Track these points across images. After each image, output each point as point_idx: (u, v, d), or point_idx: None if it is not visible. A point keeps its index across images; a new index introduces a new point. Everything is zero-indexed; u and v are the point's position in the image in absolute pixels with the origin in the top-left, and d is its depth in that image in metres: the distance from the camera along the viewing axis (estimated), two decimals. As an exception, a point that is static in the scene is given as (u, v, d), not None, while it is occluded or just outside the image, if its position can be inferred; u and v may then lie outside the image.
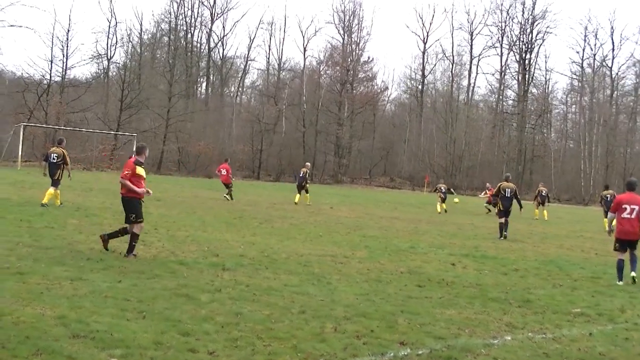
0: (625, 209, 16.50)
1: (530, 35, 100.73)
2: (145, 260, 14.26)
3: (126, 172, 15.09)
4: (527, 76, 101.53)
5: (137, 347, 7.88)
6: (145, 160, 15.59)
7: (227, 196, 37.31)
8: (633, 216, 16.39)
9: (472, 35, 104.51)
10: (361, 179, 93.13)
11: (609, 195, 35.74)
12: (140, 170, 15.18)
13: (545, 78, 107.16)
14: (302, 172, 38.98)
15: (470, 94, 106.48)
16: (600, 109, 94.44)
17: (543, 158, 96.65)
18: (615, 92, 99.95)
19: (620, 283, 16.19)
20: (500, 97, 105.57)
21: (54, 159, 25.64)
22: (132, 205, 15.07)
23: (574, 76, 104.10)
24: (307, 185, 38.71)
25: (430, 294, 12.85)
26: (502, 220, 26.95)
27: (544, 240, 27.09)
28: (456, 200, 48.43)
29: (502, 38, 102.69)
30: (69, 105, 72.64)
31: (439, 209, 41.68)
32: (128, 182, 14.93)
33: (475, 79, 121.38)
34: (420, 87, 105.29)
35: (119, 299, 10.24)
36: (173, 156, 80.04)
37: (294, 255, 16.92)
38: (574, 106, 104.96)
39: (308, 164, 42.58)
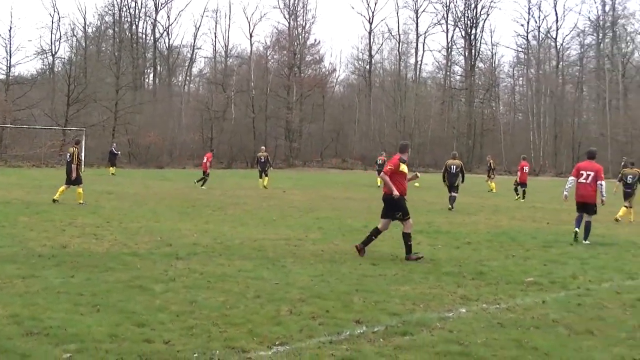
0: (582, 174, 18.59)
1: (474, 11, 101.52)
2: (98, 253, 14.12)
3: (389, 167, 15.03)
4: (473, 51, 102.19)
5: (91, 341, 7.82)
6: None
7: (197, 182, 38.61)
8: (589, 181, 18.61)
9: (417, 13, 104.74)
10: (313, 161, 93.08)
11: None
12: (403, 167, 15.10)
13: (492, 52, 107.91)
14: (262, 158, 40.33)
15: (418, 71, 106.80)
16: (546, 81, 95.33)
17: (493, 131, 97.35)
18: (561, 63, 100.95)
19: (586, 242, 18.13)
20: (448, 73, 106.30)
21: (68, 158, 26.43)
22: (398, 203, 14.99)
23: (520, 49, 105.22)
24: (270, 169, 40.15)
25: (384, 272, 12.92)
26: (451, 194, 28.15)
27: (495, 212, 27.37)
28: (417, 184, 48.94)
29: (447, 14, 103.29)
30: (14, 102, 71.57)
31: (379, 183, 43.39)
32: (387, 178, 14.89)
33: (422, 57, 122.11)
34: (367, 67, 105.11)
35: (73, 294, 10.15)
36: (123, 149, 79.37)
37: (248, 240, 16.90)
38: (521, 79, 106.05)
39: (263, 147, 43.12)
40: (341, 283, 11.71)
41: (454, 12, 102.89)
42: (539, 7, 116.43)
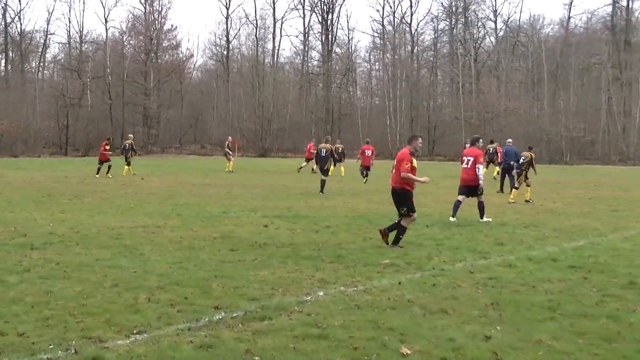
0: (464, 160, 20.32)
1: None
2: (-52, 246, 13.71)
3: (406, 164, 14.66)
4: (330, 36, 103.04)
5: (-58, 336, 7.62)
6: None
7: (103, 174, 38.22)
8: (469, 166, 20.01)
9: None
10: (172, 148, 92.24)
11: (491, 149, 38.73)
12: (415, 162, 14.90)
13: (348, 37, 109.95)
14: (127, 145, 40.80)
15: (275, 57, 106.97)
16: (402, 65, 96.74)
17: (350, 116, 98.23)
18: (416, 48, 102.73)
19: (453, 219, 19.45)
20: (305, 58, 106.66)
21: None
22: (405, 199, 14.84)
23: (376, 34, 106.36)
24: (132, 156, 40.68)
25: (243, 257, 12.94)
26: (324, 177, 28.70)
27: (354, 196, 27.68)
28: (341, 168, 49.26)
29: (304, 0, 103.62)
30: None
31: (231, 168, 44.94)
32: (410, 175, 14.68)
33: (280, 42, 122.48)
34: (225, 52, 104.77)
35: None
36: (-26, 138, 76.97)
37: (105, 229, 16.65)
38: (377, 63, 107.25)
39: (131, 135, 43.11)
40: (200, 269, 11.69)
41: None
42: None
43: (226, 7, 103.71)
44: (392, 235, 14.73)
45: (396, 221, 15.02)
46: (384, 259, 12.89)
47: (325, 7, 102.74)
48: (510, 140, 32.49)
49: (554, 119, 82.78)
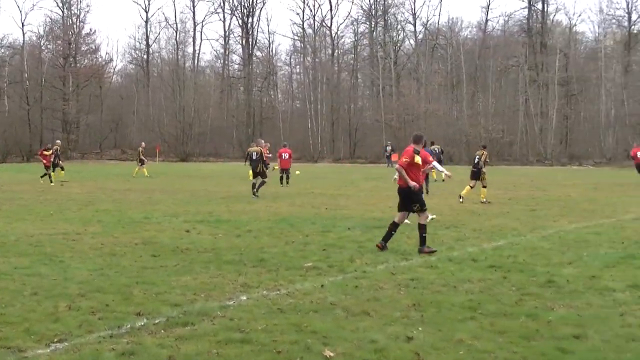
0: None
1: (251, 0, 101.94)
2: None
3: (405, 159, 14.47)
4: (250, 40, 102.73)
5: None
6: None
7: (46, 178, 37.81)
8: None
9: (194, 1, 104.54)
10: (92, 153, 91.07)
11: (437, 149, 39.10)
12: (417, 159, 14.67)
13: (269, 41, 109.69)
14: (57, 150, 41.05)
15: (196, 60, 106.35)
16: (323, 68, 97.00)
17: (272, 119, 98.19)
18: (337, 51, 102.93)
19: (407, 221, 18.41)
20: (226, 62, 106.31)
21: None
22: (414, 195, 14.57)
23: (296, 37, 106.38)
24: (60, 162, 41.14)
25: (165, 263, 12.88)
26: (254, 180, 28.89)
27: (276, 199, 27.70)
28: (297, 172, 49.21)
29: (224, 3, 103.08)
30: None
31: (140, 173, 44.98)
32: (403, 171, 14.41)
33: (200, 46, 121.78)
34: (145, 56, 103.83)
35: None
36: None
37: (24, 236, 16.40)
38: (298, 67, 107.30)
39: (58, 141, 42.85)
40: (121, 276, 11.59)
41: (230, 1, 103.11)
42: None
43: (145, 11, 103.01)
44: (387, 240, 14.79)
45: (392, 225, 14.97)
46: (307, 262, 12.94)
47: (245, 11, 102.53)
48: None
49: (473, 121, 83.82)
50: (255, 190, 28.38)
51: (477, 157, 27.23)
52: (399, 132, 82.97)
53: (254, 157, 29.13)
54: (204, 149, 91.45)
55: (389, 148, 67.19)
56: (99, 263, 12.83)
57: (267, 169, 33.66)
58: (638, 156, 39.09)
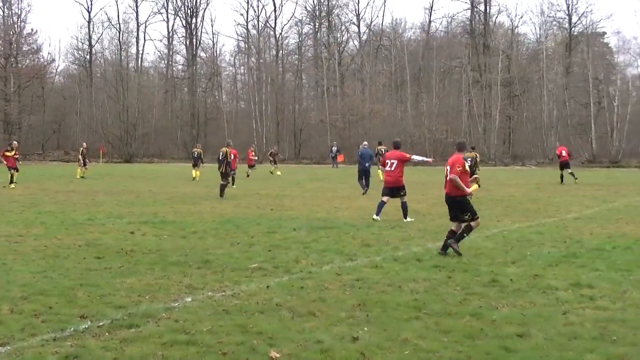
0: (388, 163, 20.98)
1: (194, 0, 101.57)
2: None
3: (458, 167, 14.24)
4: (194, 40, 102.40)
5: None
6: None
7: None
8: (393, 168, 20.73)
9: (137, 1, 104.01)
10: (34, 154, 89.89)
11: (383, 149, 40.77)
12: (466, 167, 14.63)
13: (213, 41, 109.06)
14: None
15: (139, 61, 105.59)
16: (267, 69, 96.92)
17: (216, 120, 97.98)
18: (281, 52, 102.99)
19: (377, 218, 20.49)
20: (170, 62, 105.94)
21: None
22: (464, 205, 14.42)
23: (240, 38, 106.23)
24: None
25: (109, 265, 12.78)
26: (223, 182, 29.29)
27: (221, 200, 27.60)
28: (278, 173, 48.80)
29: (168, 3, 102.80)
30: None
31: (80, 174, 45.16)
32: (459, 181, 14.19)
33: (143, 46, 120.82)
34: (88, 57, 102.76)
35: None
36: None
37: (-35, 239, 16.18)
38: (242, 67, 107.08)
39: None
40: (65, 278, 11.49)
41: (174, 1, 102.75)
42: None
43: (88, 11, 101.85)
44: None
45: (449, 232, 14.59)
46: (252, 263, 12.93)
47: (189, 11, 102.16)
48: (365, 143, 34.32)
49: (417, 121, 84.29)
50: (221, 192, 28.52)
51: (469, 160, 27.17)
52: (344, 133, 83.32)
53: (220, 157, 29.29)
54: (148, 150, 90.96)
55: (334, 149, 67.26)
56: (42, 265, 12.71)
57: (233, 171, 33.67)
58: (563, 154, 39.36)
